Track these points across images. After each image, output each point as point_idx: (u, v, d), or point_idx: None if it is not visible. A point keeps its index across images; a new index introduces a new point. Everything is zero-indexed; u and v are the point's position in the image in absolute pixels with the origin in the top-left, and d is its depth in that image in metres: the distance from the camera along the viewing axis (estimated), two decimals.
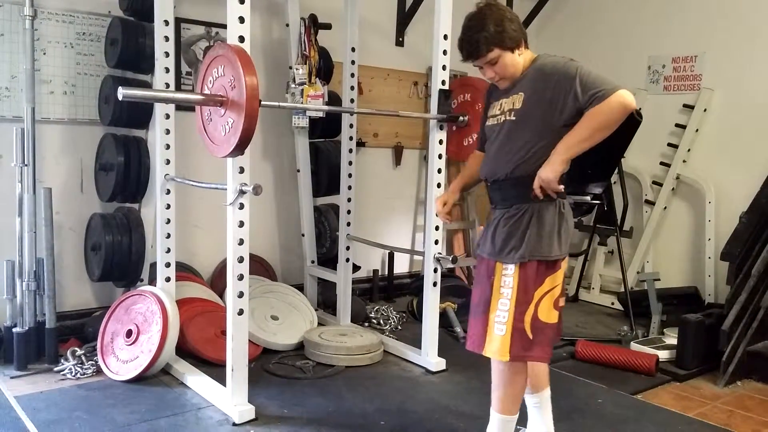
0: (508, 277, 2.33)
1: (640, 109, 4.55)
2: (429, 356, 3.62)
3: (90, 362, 3.41)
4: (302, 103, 4.07)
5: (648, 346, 3.93)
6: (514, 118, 2.37)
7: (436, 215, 2.54)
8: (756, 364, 3.71)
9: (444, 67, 3.44)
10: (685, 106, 4.99)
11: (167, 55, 3.44)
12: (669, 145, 5.08)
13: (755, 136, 4.62)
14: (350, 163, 4.15)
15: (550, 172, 2.26)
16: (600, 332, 4.50)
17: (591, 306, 5.22)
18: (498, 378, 2.44)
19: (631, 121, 4.63)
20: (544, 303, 2.32)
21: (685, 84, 5.05)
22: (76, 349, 3.48)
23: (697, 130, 4.91)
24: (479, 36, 2.31)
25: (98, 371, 3.38)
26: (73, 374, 3.33)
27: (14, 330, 3.40)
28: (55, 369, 3.38)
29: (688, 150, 4.96)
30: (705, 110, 4.87)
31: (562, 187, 2.30)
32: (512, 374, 2.40)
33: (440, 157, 3.50)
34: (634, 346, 3.99)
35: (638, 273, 5.08)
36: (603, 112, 2.22)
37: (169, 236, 3.50)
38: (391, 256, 5.14)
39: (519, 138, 2.36)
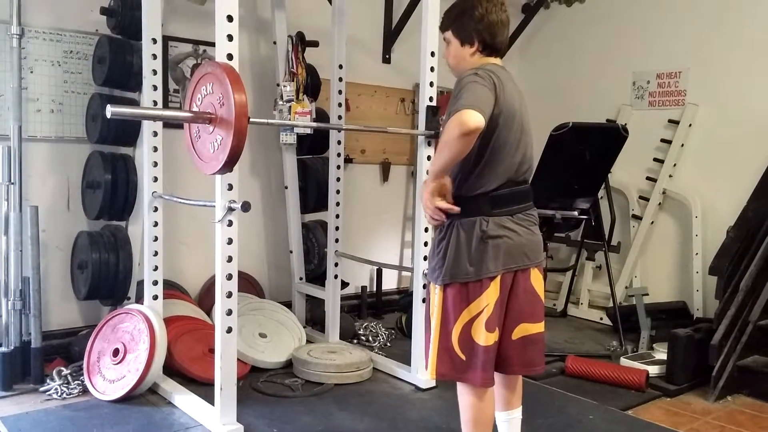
0: (436, 296, 2.33)
1: (625, 124, 4.65)
2: (419, 373, 3.60)
3: (76, 382, 3.37)
4: (290, 119, 4.07)
5: (638, 362, 3.93)
6: (441, 130, 2.37)
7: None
8: (746, 379, 3.71)
9: (431, 84, 3.46)
10: (670, 121, 5.04)
11: (155, 72, 3.43)
12: (655, 160, 5.12)
13: (741, 151, 4.66)
14: (338, 179, 4.14)
15: (422, 192, 2.27)
16: (589, 347, 4.50)
17: (580, 321, 5.23)
18: (459, 403, 2.40)
19: (618, 137, 4.68)
20: (476, 325, 2.26)
21: (669, 99, 5.10)
22: (62, 368, 3.44)
23: (682, 145, 4.96)
24: (448, 11, 2.43)
25: (84, 391, 3.33)
26: (58, 394, 3.28)
27: None
28: (41, 389, 3.33)
29: (674, 165, 5.00)
30: (690, 125, 4.92)
31: (436, 206, 2.25)
32: (462, 397, 2.36)
33: (428, 173, 3.50)
34: (624, 361, 3.99)
35: (626, 288, 5.09)
36: (444, 132, 2.15)
37: (156, 254, 3.47)
38: (379, 273, 5.13)
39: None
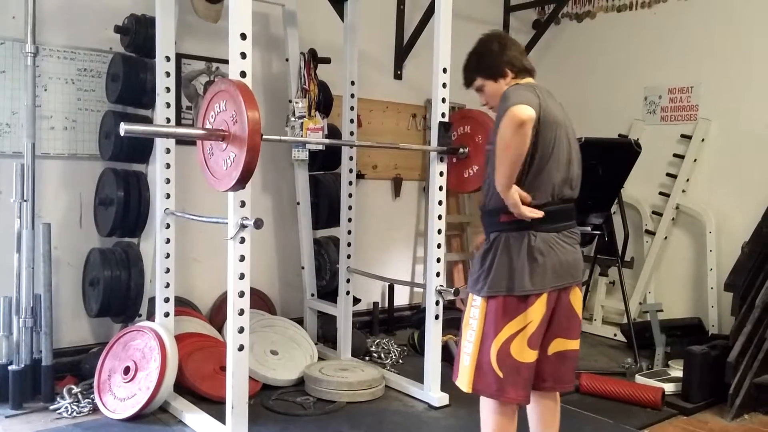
0: (475, 308, 2.32)
1: (638, 139, 4.63)
2: (431, 391, 3.57)
3: (86, 400, 3.35)
4: (302, 136, 4.07)
5: (653, 379, 3.88)
6: (489, 147, 2.39)
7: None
8: (763, 397, 3.65)
9: (443, 100, 3.46)
10: (682, 136, 5.01)
11: (168, 90, 3.45)
12: (668, 175, 5.09)
13: (754, 166, 4.63)
14: (350, 195, 4.14)
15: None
16: (603, 364, 4.45)
17: (593, 337, 5.17)
18: (481, 417, 2.38)
19: (631, 152, 4.65)
20: (517, 341, 2.25)
21: (682, 114, 5.08)
22: (73, 386, 3.42)
23: (695, 160, 4.93)
24: (466, 65, 2.54)
25: (95, 409, 3.31)
26: (69, 413, 3.27)
27: (10, 368, 3.34)
28: (51, 407, 3.32)
29: (687, 180, 4.97)
30: (703, 140, 4.90)
31: (527, 211, 2.24)
32: (486, 414, 2.35)
33: (441, 189, 3.50)
34: (639, 378, 3.94)
35: (640, 304, 5.05)
36: (499, 134, 2.19)
37: (168, 271, 3.47)
38: (391, 289, 5.11)
39: (489, 169, 2.38)
